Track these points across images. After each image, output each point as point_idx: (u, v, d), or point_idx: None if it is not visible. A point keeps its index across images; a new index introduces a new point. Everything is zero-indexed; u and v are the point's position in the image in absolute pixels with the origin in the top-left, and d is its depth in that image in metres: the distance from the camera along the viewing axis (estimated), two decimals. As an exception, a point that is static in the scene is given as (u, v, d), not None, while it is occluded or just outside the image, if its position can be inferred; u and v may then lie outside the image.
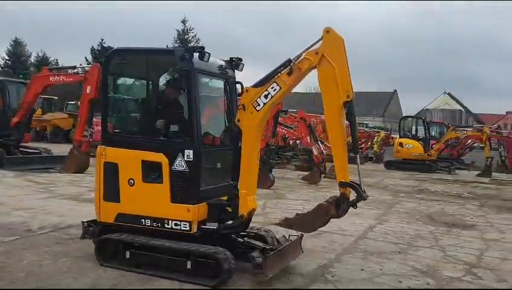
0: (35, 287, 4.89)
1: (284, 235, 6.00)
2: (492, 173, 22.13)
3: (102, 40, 42.86)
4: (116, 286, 5.04)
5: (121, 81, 6.73)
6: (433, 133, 25.52)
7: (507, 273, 6.05)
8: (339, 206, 5.03)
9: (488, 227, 9.25)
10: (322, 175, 15.01)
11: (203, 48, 5.46)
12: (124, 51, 6.10)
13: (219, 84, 6.20)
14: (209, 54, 5.48)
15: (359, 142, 28.51)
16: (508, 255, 7.04)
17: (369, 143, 28.60)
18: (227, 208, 5.56)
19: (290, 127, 17.76)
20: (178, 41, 42.07)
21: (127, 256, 5.47)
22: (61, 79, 14.49)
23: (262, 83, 5.23)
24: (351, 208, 5.06)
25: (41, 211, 8.62)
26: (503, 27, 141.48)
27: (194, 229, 5.36)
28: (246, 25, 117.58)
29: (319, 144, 15.03)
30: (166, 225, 5.43)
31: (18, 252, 6.04)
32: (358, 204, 5.02)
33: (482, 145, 25.35)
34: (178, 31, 41.59)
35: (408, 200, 12.55)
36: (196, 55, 5.39)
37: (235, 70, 6.18)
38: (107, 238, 5.61)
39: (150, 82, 6.19)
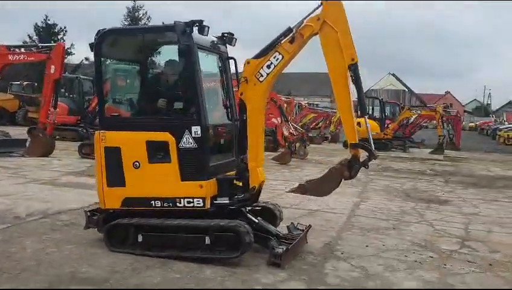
0: (52, 275, 4.73)
1: (292, 222, 6.12)
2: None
3: (46, 16, 40.84)
4: (136, 269, 4.96)
5: (115, 62, 6.53)
6: (386, 113, 26.43)
7: (497, 245, 6.44)
8: (351, 168, 5.18)
9: (462, 202, 9.75)
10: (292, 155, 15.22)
11: (201, 21, 5.37)
12: (117, 31, 5.92)
13: (213, 59, 6.13)
14: (209, 27, 5.42)
15: (315, 123, 29.37)
16: (492, 227, 7.49)
17: (327, 122, 29.16)
18: (236, 182, 5.59)
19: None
20: (128, 19, 40.83)
21: (140, 239, 5.38)
22: (21, 58, 13.77)
23: (264, 53, 5.23)
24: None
25: (22, 197, 8.25)
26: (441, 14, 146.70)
27: (208, 205, 5.36)
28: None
29: (289, 124, 15.20)
30: (178, 204, 5.38)
31: (16, 240, 5.80)
32: None
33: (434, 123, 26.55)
34: (128, 8, 40.43)
35: (379, 178, 12.97)
36: (195, 29, 5.32)
37: (228, 46, 6.10)
38: (117, 223, 5.48)
39: (148, 61, 6.04)
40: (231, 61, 6.04)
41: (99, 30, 5.72)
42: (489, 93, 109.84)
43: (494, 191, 11.60)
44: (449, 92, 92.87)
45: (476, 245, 6.39)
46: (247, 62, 5.30)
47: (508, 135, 36.17)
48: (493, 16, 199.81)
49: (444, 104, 67.71)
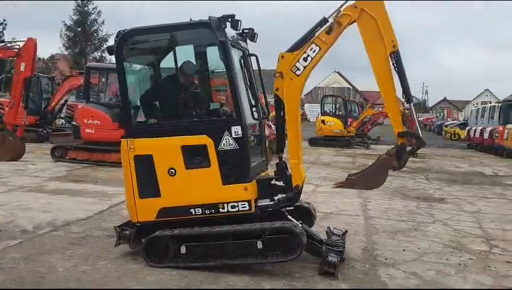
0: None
1: (328, 227, 5.99)
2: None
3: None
4: (190, 284, 4.63)
5: (140, 65, 6.11)
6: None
7: (521, 243, 6.60)
8: (399, 157, 5.10)
9: (457, 200, 9.96)
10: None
11: (234, 15, 5.13)
12: (140, 30, 5.47)
13: (237, 56, 5.85)
14: (241, 21, 5.19)
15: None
16: (503, 225, 7.67)
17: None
18: (275, 182, 5.41)
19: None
20: (78, 14, 39.08)
21: (183, 251, 5.03)
22: (-14, 55, 12.73)
23: (298, 46, 5.10)
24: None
25: (17, 207, 7.63)
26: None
27: (253, 208, 5.11)
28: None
29: (269, 123, 15.00)
30: (221, 210, 5.09)
31: (39, 258, 5.29)
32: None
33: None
34: (77, 1, 38.62)
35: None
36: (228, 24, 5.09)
37: (249, 42, 5.89)
38: (158, 236, 5.09)
39: (177, 61, 5.66)
40: (253, 58, 5.79)
41: (120, 31, 5.32)
42: (427, 90, 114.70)
43: (476, 187, 11.99)
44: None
45: (503, 245, 6.50)
46: (281, 56, 5.15)
47: (454, 131, 38.02)
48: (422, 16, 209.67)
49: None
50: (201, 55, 5.91)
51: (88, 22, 39.34)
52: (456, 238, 6.77)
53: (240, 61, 5.67)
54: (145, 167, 5.16)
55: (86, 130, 12.97)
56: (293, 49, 5.10)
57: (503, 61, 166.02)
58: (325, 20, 5.04)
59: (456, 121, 47.06)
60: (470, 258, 5.81)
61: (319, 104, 27.69)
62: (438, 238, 6.71)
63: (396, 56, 4.94)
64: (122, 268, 5.03)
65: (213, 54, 5.80)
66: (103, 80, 13.74)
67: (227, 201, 5.08)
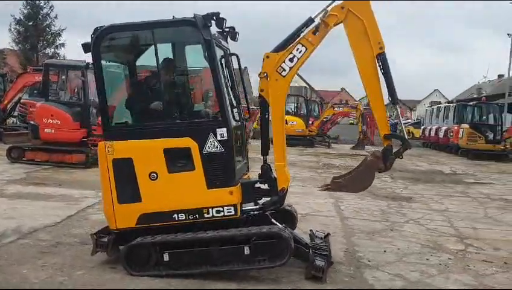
0: None
1: (311, 230, 5.96)
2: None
3: None
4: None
5: (118, 64, 5.83)
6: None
7: (494, 242, 6.75)
8: (386, 159, 5.10)
9: (424, 199, 10.18)
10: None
11: (218, 13, 4.98)
12: (118, 27, 5.19)
13: (219, 55, 5.72)
14: (226, 20, 5.05)
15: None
16: (472, 224, 7.87)
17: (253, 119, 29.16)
18: (260, 185, 5.29)
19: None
20: (29, 7, 37.41)
21: (166, 258, 4.83)
22: None
23: (284, 46, 5.00)
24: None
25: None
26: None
27: (239, 212, 4.97)
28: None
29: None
30: (205, 215, 4.91)
31: (9, 269, 4.97)
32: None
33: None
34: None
35: (329, 176, 13.15)
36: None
37: (230, 41, 5.67)
38: (139, 243, 4.86)
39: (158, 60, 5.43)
40: (234, 58, 5.61)
41: (97, 28, 5.04)
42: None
43: (439, 186, 12.33)
44: (344, 89, 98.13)
45: (477, 243, 6.64)
46: (266, 56, 5.02)
47: (408, 130, 39.14)
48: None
49: (339, 100, 71.42)
50: (183, 54, 5.69)
51: (40, 16, 37.78)
52: (431, 237, 6.87)
53: (221, 60, 5.51)
54: (124, 171, 4.93)
55: (45, 130, 12.39)
56: (278, 49, 4.98)
57: (448, 61, 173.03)
58: (311, 20, 4.96)
59: (410, 120, 48.51)
60: (448, 258, 5.90)
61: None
62: (414, 238, 6.79)
63: (382, 58, 4.92)
64: (103, 279, 4.78)
65: (192, 53, 5.63)
66: (63, 77, 13.16)
67: (212, 206, 4.93)
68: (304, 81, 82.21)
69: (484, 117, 22.04)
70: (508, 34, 32.01)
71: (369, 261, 5.64)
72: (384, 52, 4.90)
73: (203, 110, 5.53)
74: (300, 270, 5.05)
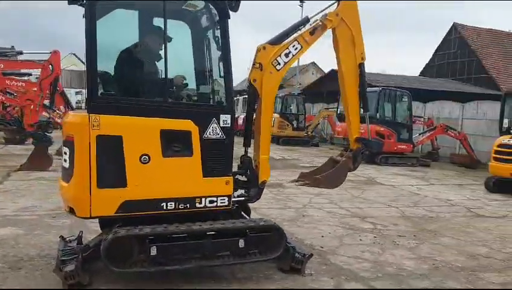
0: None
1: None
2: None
3: None
4: None
5: (117, 28, 4.94)
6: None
7: (387, 218, 7.91)
8: (355, 160, 5.61)
9: (290, 184, 11.01)
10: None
11: None
12: None
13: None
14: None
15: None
16: (354, 204, 9.01)
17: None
18: (238, 176, 5.16)
19: (11, 94, 14.92)
20: None
21: (153, 252, 4.34)
22: None
23: (280, 40, 5.07)
24: None
25: None
26: None
27: (231, 203, 4.81)
28: None
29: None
30: (197, 205, 4.60)
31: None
32: None
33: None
34: None
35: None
36: None
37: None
38: (124, 236, 4.24)
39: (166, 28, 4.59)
40: None
41: None
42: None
43: (285, 171, 13.43)
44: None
45: (376, 221, 7.68)
46: (263, 47, 4.96)
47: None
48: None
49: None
50: (199, 30, 5.16)
51: None
52: (340, 220, 7.66)
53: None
54: (110, 150, 4.24)
55: None
56: (274, 42, 4.96)
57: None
58: (307, 20, 5.10)
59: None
60: (374, 237, 6.73)
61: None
62: (329, 222, 7.47)
63: (361, 68, 5.38)
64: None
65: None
66: None
67: (206, 195, 4.63)
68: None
69: (291, 107, 24.62)
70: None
71: (321, 247, 6.05)
72: (363, 62, 5.35)
73: (208, 93, 5.03)
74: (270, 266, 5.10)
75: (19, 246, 5.49)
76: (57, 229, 6.16)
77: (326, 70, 36.85)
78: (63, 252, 4.68)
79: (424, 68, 35.75)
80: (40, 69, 11.08)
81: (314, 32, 5.10)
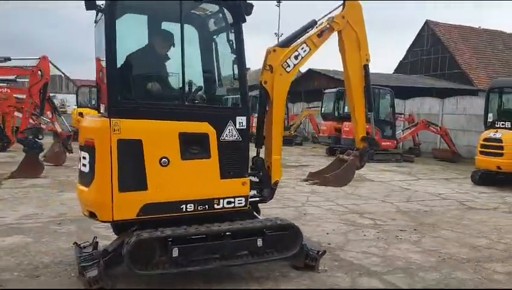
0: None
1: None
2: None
3: None
4: None
5: (135, 32, 5.01)
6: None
7: (385, 214, 8.11)
8: (362, 159, 5.76)
9: (283, 183, 11.19)
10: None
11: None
12: None
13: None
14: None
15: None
16: (350, 201, 9.18)
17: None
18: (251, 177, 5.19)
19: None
20: None
21: (175, 254, 4.40)
22: None
23: (289, 43, 5.20)
24: None
25: None
26: None
27: (248, 204, 4.91)
28: None
29: (62, 119, 13.36)
30: (216, 206, 4.68)
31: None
32: None
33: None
34: None
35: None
36: None
37: None
38: (146, 238, 4.30)
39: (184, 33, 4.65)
40: None
41: None
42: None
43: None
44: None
45: (375, 217, 7.88)
46: (273, 50, 5.07)
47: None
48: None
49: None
50: (210, 33, 5.23)
51: None
52: (340, 217, 7.82)
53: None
54: (131, 153, 4.29)
55: None
56: (284, 44, 5.10)
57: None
58: (315, 22, 5.22)
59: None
60: (377, 232, 6.90)
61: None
62: (330, 219, 7.63)
63: (366, 69, 5.53)
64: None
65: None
66: None
67: (224, 196, 4.71)
68: (58, 69, 76.42)
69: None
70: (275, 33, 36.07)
71: (328, 244, 6.19)
72: (368, 64, 5.51)
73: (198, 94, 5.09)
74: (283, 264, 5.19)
75: (31, 254, 5.46)
76: (65, 236, 6.15)
77: (303, 71, 37.18)
78: (81, 258, 4.70)
79: (398, 65, 36.43)
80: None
81: (322, 34, 5.23)
